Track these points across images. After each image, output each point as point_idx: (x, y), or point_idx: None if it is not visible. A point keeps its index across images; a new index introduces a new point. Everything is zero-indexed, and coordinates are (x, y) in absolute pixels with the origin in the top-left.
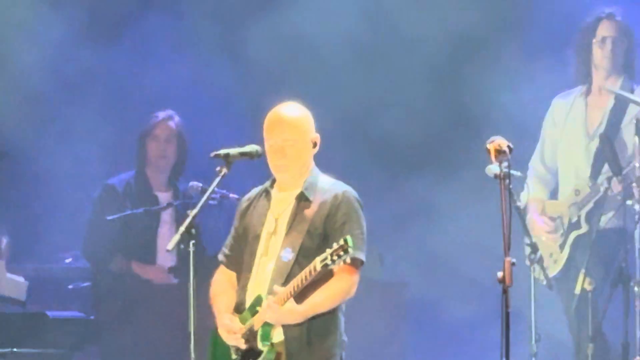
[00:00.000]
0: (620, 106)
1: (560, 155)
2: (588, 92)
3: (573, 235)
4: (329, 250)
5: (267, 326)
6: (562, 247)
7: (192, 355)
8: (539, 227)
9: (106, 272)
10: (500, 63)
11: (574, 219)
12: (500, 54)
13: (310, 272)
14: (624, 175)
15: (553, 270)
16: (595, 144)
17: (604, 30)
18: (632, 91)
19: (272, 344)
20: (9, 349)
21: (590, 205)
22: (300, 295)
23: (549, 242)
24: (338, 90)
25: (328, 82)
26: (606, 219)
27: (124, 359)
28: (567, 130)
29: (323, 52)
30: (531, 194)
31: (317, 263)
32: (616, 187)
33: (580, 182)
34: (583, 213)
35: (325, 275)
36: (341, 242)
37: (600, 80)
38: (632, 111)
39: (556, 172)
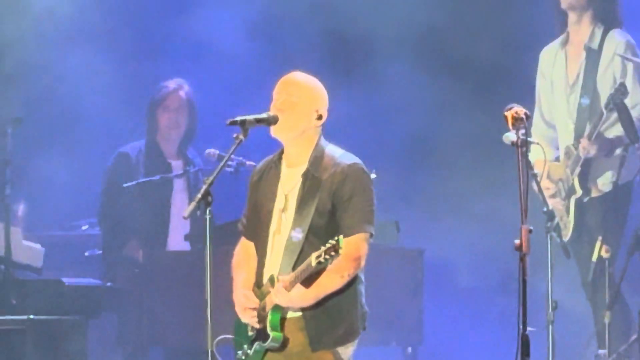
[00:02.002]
0: (592, 58)
1: (554, 109)
2: (566, 42)
3: (573, 199)
4: (323, 248)
5: (276, 313)
6: (567, 211)
7: (209, 321)
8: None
9: (121, 242)
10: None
11: (570, 183)
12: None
13: (307, 266)
14: (597, 136)
15: (565, 235)
16: (575, 97)
17: None
18: (603, 37)
19: (279, 331)
20: (26, 316)
21: (578, 169)
22: (308, 276)
23: (556, 206)
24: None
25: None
26: (605, 181)
27: (140, 325)
28: (555, 83)
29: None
30: (537, 157)
31: (312, 260)
32: (590, 148)
33: (568, 143)
34: (575, 177)
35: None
36: (333, 241)
37: (573, 25)
38: (604, 62)
39: (555, 127)
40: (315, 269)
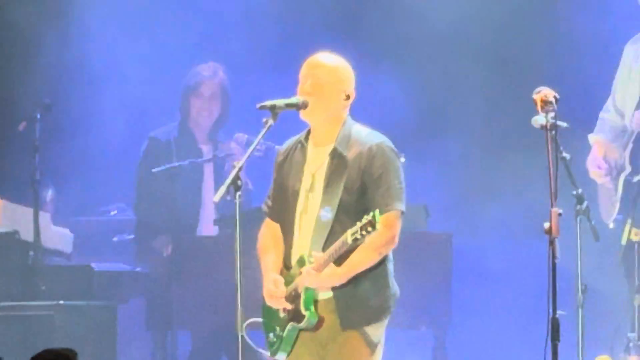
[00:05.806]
0: None
1: (627, 96)
2: None
3: (622, 176)
4: (358, 224)
5: (309, 291)
6: (616, 189)
7: (239, 306)
8: (594, 171)
9: (153, 230)
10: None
11: (621, 160)
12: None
13: (342, 244)
14: None
15: (612, 215)
16: None
17: None
18: None
19: (313, 310)
20: (56, 302)
21: (631, 145)
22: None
23: (606, 184)
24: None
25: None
26: None
27: (169, 310)
28: (634, 71)
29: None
30: (596, 136)
31: (348, 236)
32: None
33: (627, 122)
34: (627, 154)
35: None
36: (369, 216)
37: None
38: None
39: (624, 115)
40: (351, 246)
